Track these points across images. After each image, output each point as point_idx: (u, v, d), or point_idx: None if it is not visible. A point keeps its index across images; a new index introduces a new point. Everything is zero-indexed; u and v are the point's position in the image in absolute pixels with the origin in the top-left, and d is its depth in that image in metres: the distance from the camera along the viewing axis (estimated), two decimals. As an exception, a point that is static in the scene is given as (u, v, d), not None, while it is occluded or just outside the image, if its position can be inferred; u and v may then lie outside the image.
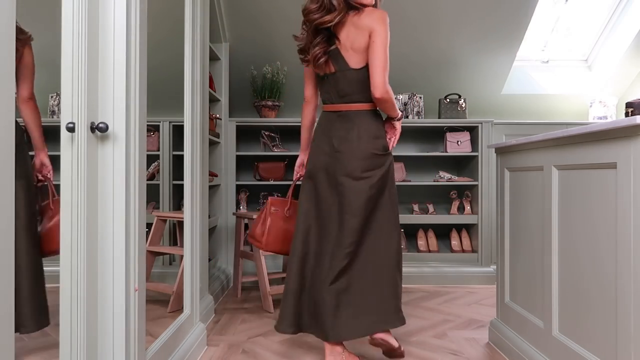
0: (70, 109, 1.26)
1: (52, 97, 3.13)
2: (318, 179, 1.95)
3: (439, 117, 3.69)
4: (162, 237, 2.90)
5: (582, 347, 1.53)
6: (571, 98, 3.92)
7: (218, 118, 3.40)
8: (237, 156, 3.56)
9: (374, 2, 1.89)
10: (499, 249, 2.22)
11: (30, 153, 2.00)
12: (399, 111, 1.96)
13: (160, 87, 2.55)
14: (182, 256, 2.34)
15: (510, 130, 3.59)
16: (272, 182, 3.57)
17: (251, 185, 3.72)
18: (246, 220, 3.13)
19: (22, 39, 1.86)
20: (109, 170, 1.37)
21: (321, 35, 1.86)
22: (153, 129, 3.14)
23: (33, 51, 1.92)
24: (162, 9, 2.61)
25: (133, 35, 1.41)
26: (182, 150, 2.23)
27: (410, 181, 3.66)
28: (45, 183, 2.02)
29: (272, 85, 3.57)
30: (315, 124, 2.06)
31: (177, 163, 3.04)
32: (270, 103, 3.59)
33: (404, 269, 2.27)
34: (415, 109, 3.72)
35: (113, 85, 1.36)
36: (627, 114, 3.37)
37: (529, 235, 1.91)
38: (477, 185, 3.54)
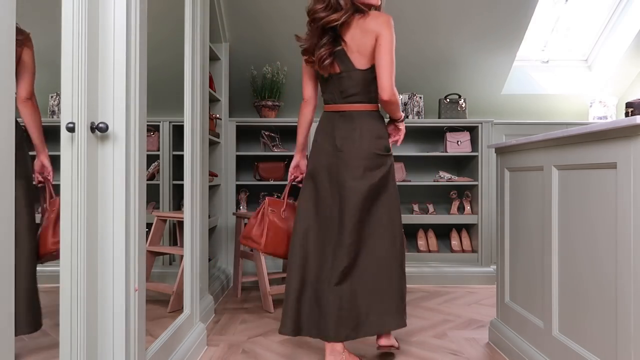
0: (70, 109, 1.26)
1: (52, 97, 3.13)
2: (319, 178, 1.94)
3: (439, 117, 3.69)
4: (162, 237, 2.90)
5: (582, 347, 1.53)
6: (571, 98, 3.92)
7: (218, 118, 3.40)
8: (237, 156, 3.56)
9: (379, 3, 1.91)
10: (499, 249, 2.22)
11: (31, 153, 2.00)
12: (401, 113, 2.02)
13: (162, 87, 2.55)
14: (182, 256, 2.34)
15: (510, 130, 3.60)
16: (272, 182, 3.57)
17: (251, 185, 3.72)
18: (246, 220, 3.13)
19: (20, 39, 1.86)
20: (109, 170, 1.37)
21: (327, 37, 1.86)
22: (153, 129, 3.14)
23: (33, 51, 1.92)
24: (164, 10, 2.61)
25: (133, 35, 1.41)
26: (182, 150, 2.23)
27: (410, 181, 3.66)
28: (44, 185, 2.01)
29: (272, 85, 3.57)
30: (314, 124, 2.07)
31: (177, 163, 3.04)
32: (270, 103, 3.59)
33: (404, 269, 2.27)
34: (415, 109, 3.72)
35: (113, 85, 1.36)
36: (627, 114, 3.37)
37: (529, 235, 1.91)
38: (477, 185, 3.54)
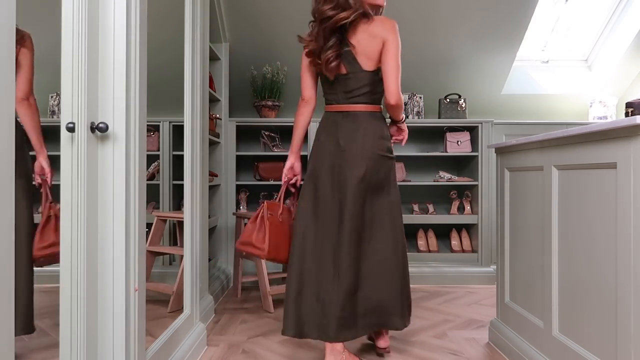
0: (70, 109, 1.26)
1: (52, 97, 3.12)
2: (320, 178, 1.94)
3: (439, 117, 3.69)
4: (162, 237, 2.90)
5: (582, 347, 1.53)
6: (571, 98, 3.92)
7: (218, 118, 3.40)
8: (237, 156, 3.56)
9: (384, 4, 1.93)
10: (499, 249, 2.22)
11: (32, 153, 1.99)
12: (403, 114, 2.06)
13: (163, 88, 2.55)
14: (182, 256, 2.34)
15: (510, 130, 3.60)
16: (272, 182, 3.57)
17: (251, 185, 3.72)
18: (246, 220, 3.13)
19: (16, 38, 1.84)
20: (109, 170, 1.37)
21: (334, 39, 1.85)
22: (153, 129, 3.14)
23: (33, 51, 1.91)
24: (164, 10, 2.61)
25: (133, 35, 1.41)
26: (182, 150, 2.23)
27: (410, 181, 3.66)
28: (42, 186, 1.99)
29: (272, 85, 3.57)
30: (311, 124, 2.06)
31: (177, 163, 3.04)
32: (270, 103, 3.59)
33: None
34: (415, 109, 3.72)
35: (113, 85, 1.36)
36: (627, 114, 3.38)
37: (529, 235, 1.91)
38: (477, 185, 3.54)
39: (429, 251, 3.66)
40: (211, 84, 3.21)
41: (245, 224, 3.15)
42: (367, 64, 1.88)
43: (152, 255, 2.75)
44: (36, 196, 1.99)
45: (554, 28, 3.83)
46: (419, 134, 3.86)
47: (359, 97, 1.91)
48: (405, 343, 2.25)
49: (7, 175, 1.02)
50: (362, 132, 1.89)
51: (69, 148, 1.27)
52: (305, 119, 2.04)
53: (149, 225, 2.30)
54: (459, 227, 3.75)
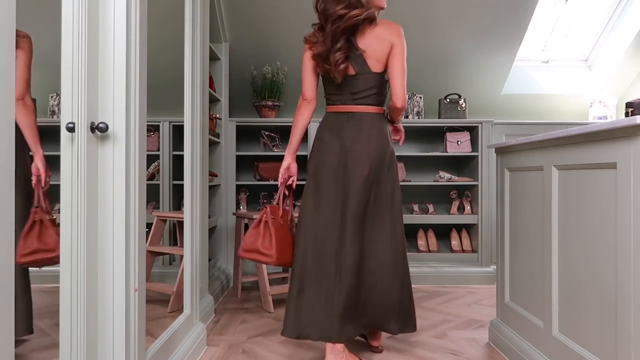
0: (70, 109, 1.26)
1: (52, 97, 3.12)
2: (323, 178, 1.93)
3: (439, 117, 3.69)
4: (162, 237, 2.90)
5: (582, 347, 1.53)
6: (571, 98, 3.92)
7: (218, 118, 3.40)
8: (237, 156, 3.56)
9: (385, 5, 1.95)
10: (499, 249, 2.22)
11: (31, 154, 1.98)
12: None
13: (164, 88, 2.55)
14: (182, 256, 2.33)
15: (510, 130, 3.60)
16: (272, 182, 3.57)
17: (251, 185, 3.72)
18: (246, 220, 3.13)
19: None
20: (109, 170, 1.37)
21: (342, 41, 1.85)
22: (153, 129, 3.14)
23: (31, 51, 1.90)
24: (165, 11, 2.61)
25: (133, 35, 1.41)
26: (182, 150, 2.23)
27: (410, 181, 3.66)
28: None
29: (272, 85, 3.57)
30: (309, 123, 2.05)
31: (177, 163, 3.04)
32: (270, 103, 3.59)
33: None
34: (415, 109, 3.72)
35: (113, 85, 1.36)
36: (627, 114, 3.38)
37: (529, 235, 1.91)
38: (477, 185, 3.54)
39: (429, 251, 3.66)
40: (211, 84, 3.21)
41: (246, 224, 3.16)
42: (376, 66, 1.90)
43: (152, 255, 2.75)
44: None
45: (554, 28, 3.83)
46: (419, 134, 3.86)
47: (365, 98, 1.92)
48: (405, 343, 2.25)
49: (7, 176, 1.01)
50: (367, 132, 1.90)
51: (69, 148, 1.27)
52: (306, 119, 2.01)
53: (149, 225, 2.30)
54: (459, 227, 3.75)
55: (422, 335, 2.37)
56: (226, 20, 3.37)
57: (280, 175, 2.05)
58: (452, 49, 3.56)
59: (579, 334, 1.56)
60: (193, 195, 2.22)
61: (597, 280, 1.46)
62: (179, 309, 2.22)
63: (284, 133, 3.74)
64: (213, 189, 3.43)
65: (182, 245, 2.33)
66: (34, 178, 1.90)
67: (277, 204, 2.04)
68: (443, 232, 3.80)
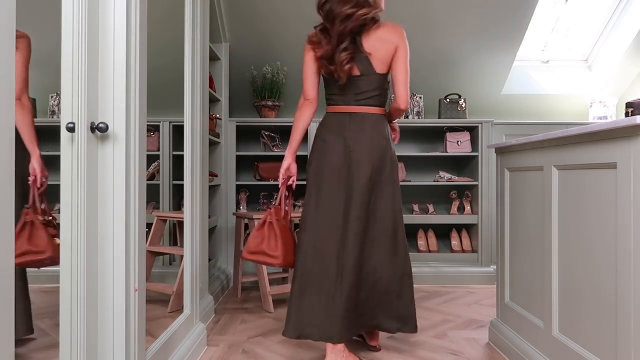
0: (70, 109, 1.26)
1: (52, 97, 3.12)
2: (325, 178, 1.93)
3: (439, 117, 3.69)
4: (162, 237, 2.90)
5: (582, 347, 1.53)
6: (571, 98, 3.92)
7: (218, 118, 3.40)
8: (237, 156, 3.56)
9: (383, 7, 1.95)
10: (499, 249, 2.22)
11: None
12: None
13: (164, 88, 2.55)
14: (182, 256, 2.33)
15: (510, 130, 3.60)
16: (272, 182, 3.57)
17: (251, 185, 3.72)
18: (246, 220, 3.13)
19: None
20: (109, 170, 1.37)
21: (347, 41, 1.85)
22: (153, 129, 3.14)
23: (29, 51, 1.89)
24: (165, 12, 2.61)
25: (133, 35, 1.41)
26: (182, 150, 2.23)
27: (410, 181, 3.66)
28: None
29: (272, 85, 3.57)
30: (310, 123, 2.05)
31: (177, 163, 3.04)
32: (270, 103, 3.59)
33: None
34: (416, 109, 3.72)
35: (113, 85, 1.36)
36: (627, 114, 3.38)
37: (529, 235, 1.91)
38: (477, 185, 3.54)
39: (429, 251, 3.66)
40: (211, 84, 3.21)
41: (246, 224, 3.16)
42: (380, 67, 1.91)
43: (152, 255, 2.75)
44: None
45: (554, 28, 3.83)
46: (419, 134, 3.86)
47: (369, 99, 1.93)
48: (405, 343, 2.25)
49: (7, 176, 1.01)
50: (369, 133, 1.91)
51: (69, 148, 1.27)
52: (307, 120, 1.99)
53: (149, 225, 2.30)
54: (459, 227, 3.75)
55: (422, 335, 2.37)
56: (226, 21, 3.37)
57: (280, 176, 2.04)
58: (452, 49, 3.56)
59: (578, 334, 1.56)
60: (193, 195, 2.22)
61: (597, 280, 1.46)
62: (179, 309, 2.22)
63: (284, 133, 3.74)
64: (213, 189, 3.43)
65: (182, 245, 2.33)
66: (30, 178, 1.89)
67: (279, 204, 2.04)
68: (443, 232, 3.80)
